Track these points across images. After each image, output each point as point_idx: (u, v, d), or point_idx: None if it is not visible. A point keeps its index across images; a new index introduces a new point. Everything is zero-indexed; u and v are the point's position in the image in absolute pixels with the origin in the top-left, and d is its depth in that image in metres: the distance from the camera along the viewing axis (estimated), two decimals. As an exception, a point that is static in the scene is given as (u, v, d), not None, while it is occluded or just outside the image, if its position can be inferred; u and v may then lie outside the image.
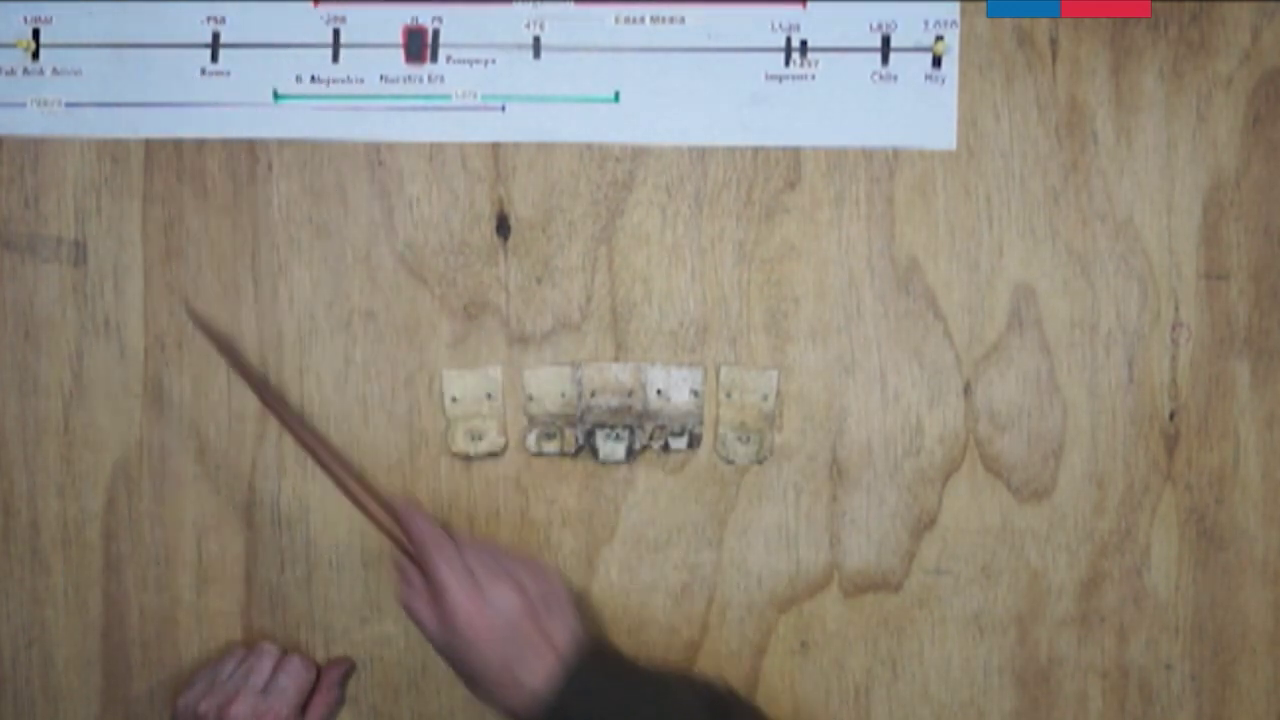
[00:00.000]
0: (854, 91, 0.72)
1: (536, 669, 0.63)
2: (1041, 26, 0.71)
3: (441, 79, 0.72)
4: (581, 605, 0.70)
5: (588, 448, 0.73)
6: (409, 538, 0.66)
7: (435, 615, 0.64)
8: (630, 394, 0.72)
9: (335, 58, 0.72)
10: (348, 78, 0.72)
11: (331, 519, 0.73)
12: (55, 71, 0.73)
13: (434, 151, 0.73)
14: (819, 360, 0.72)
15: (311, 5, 0.72)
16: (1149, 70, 0.71)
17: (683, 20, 0.72)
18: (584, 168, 0.72)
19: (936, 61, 0.71)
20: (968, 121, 0.72)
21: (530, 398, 0.73)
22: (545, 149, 0.72)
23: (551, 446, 0.73)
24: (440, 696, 0.74)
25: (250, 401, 0.73)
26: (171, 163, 0.73)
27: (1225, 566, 0.72)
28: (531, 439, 0.73)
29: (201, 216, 0.73)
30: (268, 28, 0.72)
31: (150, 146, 0.73)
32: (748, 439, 0.73)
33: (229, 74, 0.73)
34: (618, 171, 0.72)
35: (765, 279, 0.72)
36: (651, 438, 0.73)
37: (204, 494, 0.74)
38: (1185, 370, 0.72)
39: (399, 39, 0.72)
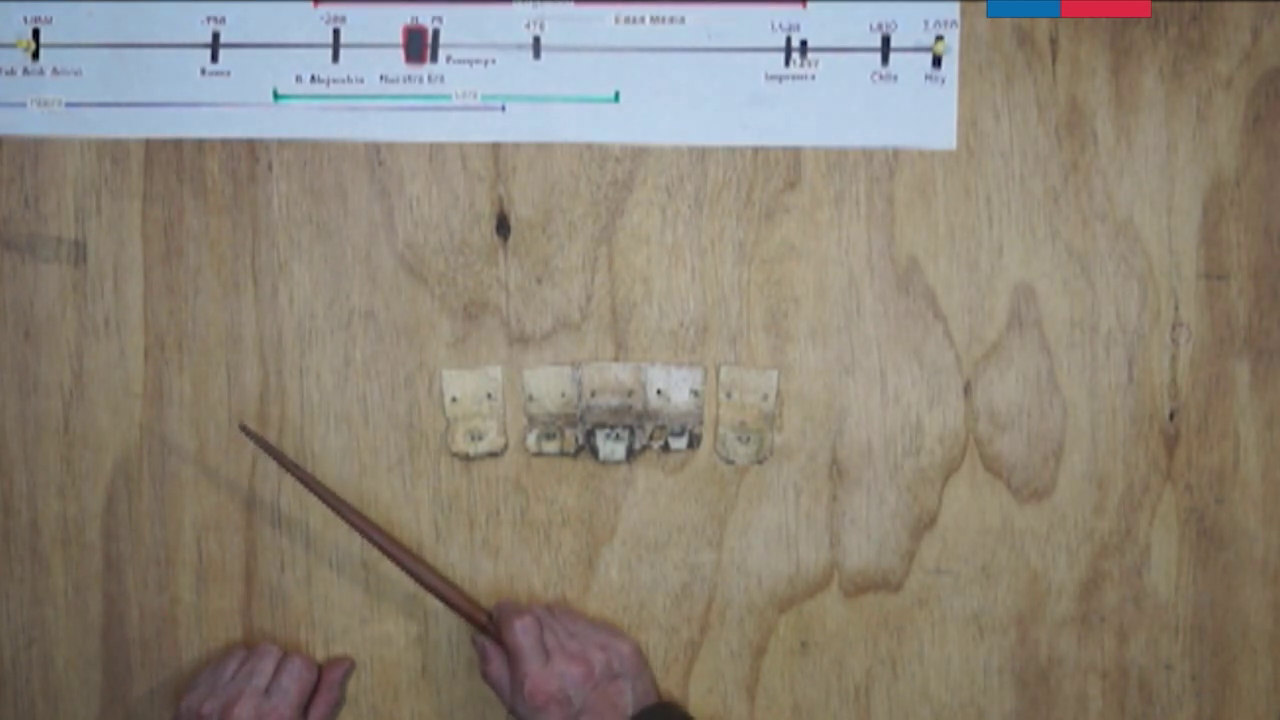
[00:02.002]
0: (854, 91, 0.72)
1: None
2: (1041, 26, 0.71)
3: (441, 79, 0.72)
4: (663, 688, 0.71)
5: (588, 448, 0.73)
6: (499, 627, 0.69)
7: (511, 684, 0.68)
8: (630, 394, 0.73)
9: (335, 58, 0.72)
10: (348, 78, 0.72)
11: (331, 519, 0.73)
12: (55, 71, 0.73)
13: (434, 151, 0.73)
14: (819, 360, 0.72)
15: (311, 5, 0.72)
16: (1149, 70, 0.71)
17: (683, 20, 0.72)
18: (584, 168, 0.72)
19: (936, 61, 0.71)
20: (968, 121, 0.72)
21: (530, 398, 0.73)
22: (545, 149, 0.72)
23: (551, 446, 0.73)
24: (440, 696, 0.74)
25: (250, 402, 0.73)
26: (171, 163, 0.73)
27: (1225, 566, 0.72)
28: (531, 439, 0.73)
29: (201, 216, 0.73)
30: (268, 28, 0.72)
31: (150, 146, 0.73)
32: (748, 439, 0.73)
33: (229, 74, 0.73)
34: (618, 171, 0.72)
35: (765, 279, 0.72)
36: (651, 438, 0.73)
37: (204, 494, 0.74)
38: (1185, 370, 0.72)
39: (399, 39, 0.72)
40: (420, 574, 0.70)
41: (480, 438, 0.73)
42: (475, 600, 0.72)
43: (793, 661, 0.73)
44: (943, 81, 0.71)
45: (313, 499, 0.73)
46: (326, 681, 0.73)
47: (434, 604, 0.73)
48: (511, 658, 0.68)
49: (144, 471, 0.74)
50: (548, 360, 0.73)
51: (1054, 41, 0.71)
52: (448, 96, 0.72)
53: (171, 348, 0.73)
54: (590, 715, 0.66)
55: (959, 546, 0.73)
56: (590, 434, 0.73)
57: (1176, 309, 0.72)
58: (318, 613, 0.74)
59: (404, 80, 0.72)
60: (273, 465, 0.73)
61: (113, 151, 0.73)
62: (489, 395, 0.73)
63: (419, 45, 0.72)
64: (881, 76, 0.71)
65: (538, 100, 0.72)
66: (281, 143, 0.73)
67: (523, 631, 0.68)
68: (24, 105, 0.73)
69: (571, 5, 0.72)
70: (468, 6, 0.72)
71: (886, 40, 0.71)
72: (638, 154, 0.72)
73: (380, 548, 0.70)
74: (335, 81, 0.72)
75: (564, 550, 0.74)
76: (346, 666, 0.74)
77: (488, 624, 0.70)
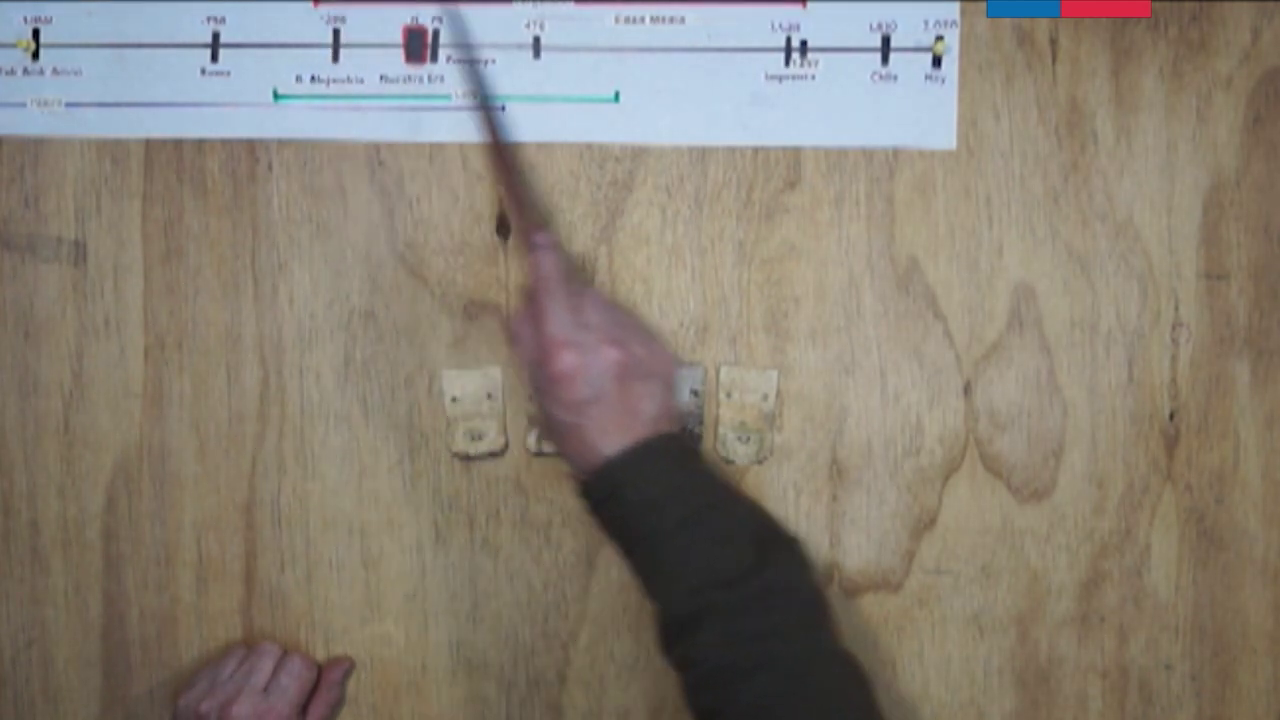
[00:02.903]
0: (854, 91, 0.72)
1: (612, 437, 0.62)
2: (1041, 26, 0.71)
3: (441, 79, 0.72)
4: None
5: (588, 448, 0.73)
6: (532, 268, 0.64)
7: (533, 345, 0.63)
8: (630, 394, 0.72)
9: (335, 58, 0.72)
10: (348, 78, 0.72)
11: (331, 519, 0.73)
12: (55, 71, 0.73)
13: (434, 151, 0.73)
14: (819, 360, 0.72)
15: (311, 5, 0.72)
16: (1149, 70, 0.71)
17: (683, 20, 0.72)
18: (584, 168, 0.72)
19: (936, 61, 0.71)
20: (968, 121, 0.72)
21: (530, 398, 0.73)
22: (545, 149, 0.72)
23: (551, 446, 0.73)
24: (440, 696, 0.74)
25: (250, 402, 0.73)
26: (171, 163, 0.73)
27: (1225, 566, 0.72)
28: (531, 439, 0.73)
29: (201, 216, 0.73)
30: (268, 28, 0.72)
31: (150, 146, 0.73)
32: (748, 439, 0.73)
33: (229, 74, 0.73)
34: (618, 171, 0.72)
35: (765, 279, 0.72)
36: (651, 438, 0.73)
37: (204, 494, 0.74)
38: (1185, 370, 0.72)
39: (399, 39, 0.72)
40: (506, 157, 0.66)
41: (480, 438, 0.73)
42: (540, 210, 0.66)
43: (793, 661, 0.73)
44: (943, 81, 0.71)
45: (312, 499, 0.73)
46: (326, 681, 0.73)
47: (434, 604, 0.74)
48: (534, 308, 0.63)
49: (144, 471, 0.74)
50: (548, 360, 0.73)
51: (1054, 41, 0.71)
52: (448, 96, 0.72)
53: (171, 348, 0.73)
54: (601, 408, 0.62)
55: (959, 546, 0.73)
56: (590, 434, 0.73)
57: (1176, 309, 0.72)
58: (318, 613, 0.74)
59: (404, 80, 0.72)
60: (273, 465, 0.73)
61: (113, 151, 0.73)
62: (489, 395, 0.73)
63: (419, 45, 0.72)
64: (881, 76, 0.71)
65: (538, 100, 0.72)
66: (281, 143, 0.73)
67: (559, 300, 0.62)
68: (24, 105, 0.73)
69: (571, 5, 0.72)
70: (468, 6, 0.72)
71: (886, 40, 0.71)
72: (638, 154, 0.72)
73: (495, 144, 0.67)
74: (335, 81, 0.72)
75: (564, 550, 0.74)
76: (346, 666, 0.74)
77: (530, 229, 0.65)
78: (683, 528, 0.61)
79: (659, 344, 0.65)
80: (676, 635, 0.61)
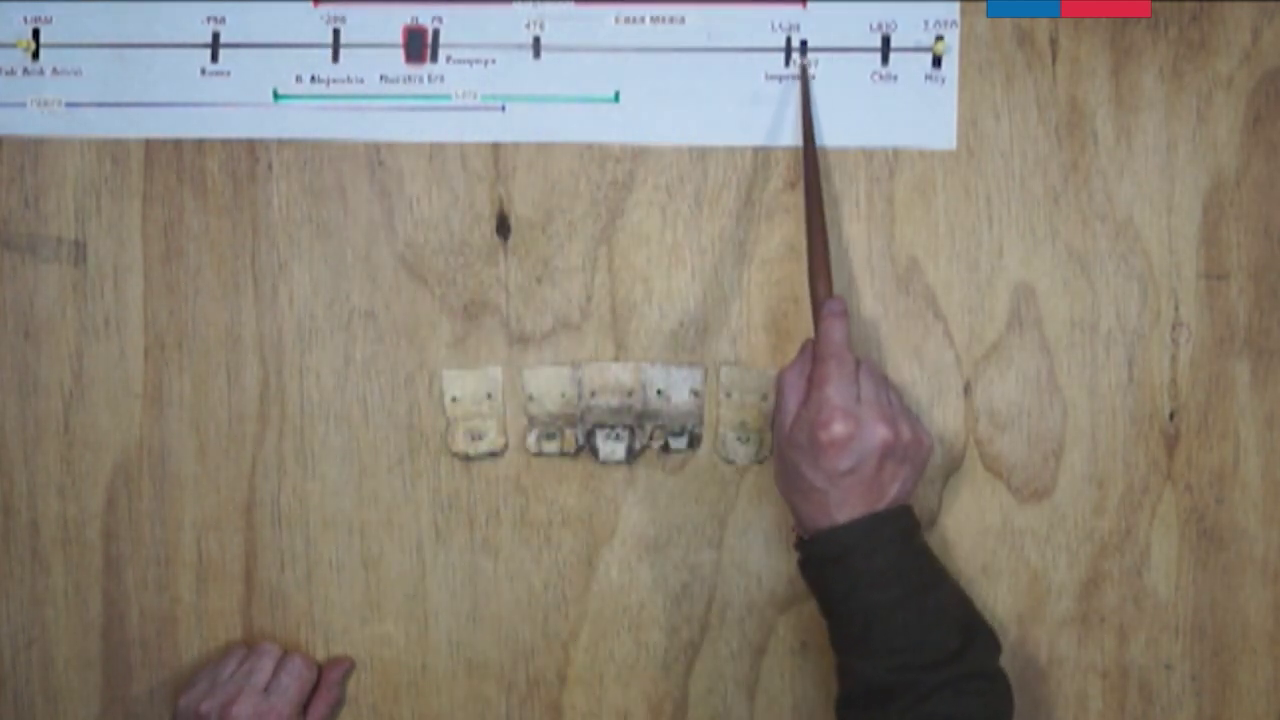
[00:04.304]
0: (854, 91, 0.71)
1: (851, 507, 0.62)
2: (1041, 26, 0.71)
3: (441, 79, 0.72)
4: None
5: (588, 448, 0.73)
6: (824, 332, 0.65)
7: (804, 403, 0.63)
8: (630, 394, 0.72)
9: (335, 58, 0.72)
10: (348, 78, 0.72)
11: (331, 519, 0.73)
12: (55, 71, 0.73)
13: (434, 151, 0.73)
14: (819, 360, 0.72)
15: (311, 5, 0.72)
16: (1149, 70, 0.71)
17: (683, 20, 0.72)
18: (584, 168, 0.72)
19: (936, 61, 0.71)
20: (968, 121, 0.72)
21: (530, 398, 0.73)
22: (545, 149, 0.72)
23: (551, 446, 0.73)
24: (440, 696, 0.74)
25: (250, 402, 0.73)
26: (171, 163, 0.73)
27: (1225, 566, 0.72)
28: (531, 439, 0.73)
29: (201, 216, 0.73)
30: (268, 28, 0.72)
31: (150, 146, 0.73)
32: (748, 439, 0.73)
33: (229, 74, 0.73)
34: (618, 171, 0.72)
35: (765, 279, 0.72)
36: (651, 438, 0.73)
37: (204, 494, 0.74)
38: (1185, 370, 0.72)
39: (399, 39, 0.72)
40: (818, 229, 0.67)
41: (480, 438, 0.73)
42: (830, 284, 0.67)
43: (793, 661, 0.73)
44: (943, 81, 0.71)
45: (312, 499, 0.73)
46: (326, 681, 0.73)
47: (434, 604, 0.74)
48: (818, 370, 0.63)
49: (144, 471, 0.74)
50: (548, 360, 0.73)
51: (1054, 41, 0.71)
52: (448, 96, 0.72)
53: (171, 348, 0.73)
54: (853, 480, 0.62)
55: (959, 546, 0.73)
56: (590, 434, 0.73)
57: (1176, 309, 0.72)
58: (318, 613, 0.74)
59: (404, 80, 0.72)
60: (273, 465, 0.73)
61: (113, 151, 0.73)
62: (489, 395, 0.73)
63: (419, 45, 0.72)
64: (881, 76, 0.71)
65: (538, 100, 0.72)
66: (281, 143, 0.73)
67: (842, 367, 0.62)
68: (24, 105, 0.73)
69: (571, 5, 0.72)
70: (468, 6, 0.72)
71: (886, 40, 0.71)
72: (638, 154, 0.72)
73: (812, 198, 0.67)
74: (335, 81, 0.72)
75: (564, 550, 0.74)
76: (346, 666, 0.74)
77: (825, 300, 0.66)
78: (900, 605, 0.62)
79: (923, 426, 0.66)
80: (863, 701, 0.62)
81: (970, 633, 0.63)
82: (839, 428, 0.61)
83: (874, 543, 0.62)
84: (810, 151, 0.69)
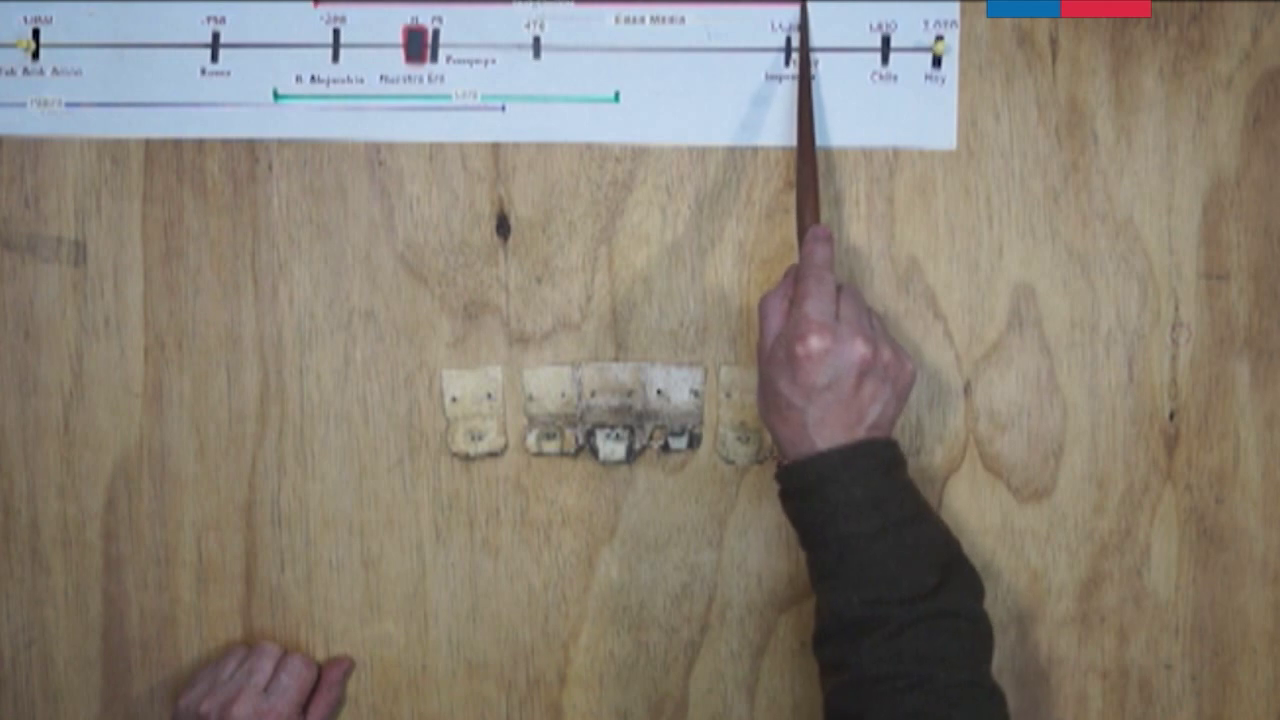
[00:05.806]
0: (854, 91, 0.72)
1: (830, 430, 0.61)
2: (1041, 26, 0.71)
3: (441, 79, 0.72)
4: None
5: (588, 448, 0.73)
6: (806, 254, 0.64)
7: (784, 321, 0.63)
8: (630, 394, 0.73)
9: (335, 58, 0.72)
10: (348, 78, 0.72)
11: (331, 519, 0.73)
12: (55, 71, 0.73)
13: (434, 151, 0.73)
14: (819, 360, 0.72)
15: (311, 5, 0.72)
16: (1149, 70, 0.71)
17: (683, 20, 0.72)
18: (584, 168, 0.73)
19: (936, 61, 0.71)
20: (968, 121, 0.72)
21: (530, 398, 0.73)
22: (545, 149, 0.72)
23: (551, 446, 0.73)
24: (440, 696, 0.74)
25: (250, 402, 0.73)
26: (171, 163, 0.73)
27: (1225, 566, 0.72)
28: (531, 439, 0.73)
29: (201, 216, 0.73)
30: (268, 28, 0.72)
31: (150, 146, 0.73)
32: (748, 439, 0.73)
33: (229, 74, 0.73)
34: (618, 171, 0.72)
35: (765, 279, 0.72)
36: (651, 438, 0.73)
37: (204, 494, 0.74)
38: (1185, 370, 0.72)
39: (399, 39, 0.72)
40: (802, 167, 0.67)
41: (480, 438, 0.73)
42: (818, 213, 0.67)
43: (793, 661, 0.73)
44: (943, 81, 0.71)
45: (312, 499, 0.73)
46: (326, 681, 0.73)
47: (434, 604, 0.74)
48: (798, 289, 0.63)
49: (144, 471, 0.74)
50: (548, 360, 0.73)
51: (1054, 41, 0.71)
52: (448, 96, 0.72)
53: (171, 348, 0.73)
54: (831, 398, 0.61)
55: (959, 546, 0.73)
56: (590, 434, 0.73)
57: (1176, 309, 0.72)
58: (318, 613, 0.74)
59: (404, 80, 0.72)
60: (273, 465, 0.73)
61: (113, 151, 0.73)
62: (489, 395, 0.73)
63: (419, 45, 0.72)
64: (881, 76, 0.71)
65: (538, 100, 0.72)
66: (281, 143, 0.73)
67: (821, 288, 0.62)
68: (24, 105, 0.73)
69: (571, 5, 0.72)
70: (468, 6, 0.72)
71: (886, 40, 0.71)
72: (638, 154, 0.72)
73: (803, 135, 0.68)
74: (335, 81, 0.72)
75: (564, 550, 0.74)
76: (346, 666, 0.74)
77: (812, 221, 0.66)
78: (877, 538, 0.60)
79: (907, 354, 0.64)
80: (838, 636, 0.61)
81: (949, 571, 0.61)
82: (815, 341, 0.60)
83: (852, 473, 0.61)
84: (804, 78, 0.69)
